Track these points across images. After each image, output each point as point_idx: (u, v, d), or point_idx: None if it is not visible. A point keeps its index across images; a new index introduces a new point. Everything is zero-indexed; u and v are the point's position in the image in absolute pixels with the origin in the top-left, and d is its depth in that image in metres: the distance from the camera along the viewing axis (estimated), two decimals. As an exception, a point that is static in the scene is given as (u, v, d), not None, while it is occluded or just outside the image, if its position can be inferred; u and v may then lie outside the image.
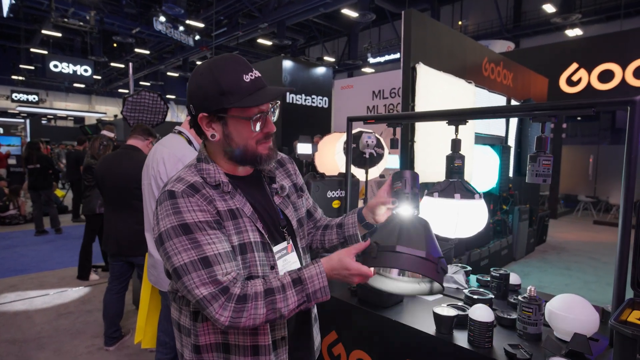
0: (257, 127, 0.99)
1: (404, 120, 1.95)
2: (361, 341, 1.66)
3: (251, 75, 0.98)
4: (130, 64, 5.51)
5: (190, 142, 1.85)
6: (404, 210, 1.06)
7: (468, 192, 1.54)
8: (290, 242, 1.12)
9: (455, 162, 1.58)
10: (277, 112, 1.05)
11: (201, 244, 0.91)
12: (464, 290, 1.60)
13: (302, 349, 1.17)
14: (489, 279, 1.75)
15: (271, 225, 1.08)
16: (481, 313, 1.27)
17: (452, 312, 1.37)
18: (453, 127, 1.62)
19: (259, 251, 1.01)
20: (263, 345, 1.01)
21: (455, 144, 1.59)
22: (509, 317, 1.41)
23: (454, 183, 1.56)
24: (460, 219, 1.52)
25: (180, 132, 1.87)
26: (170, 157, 1.73)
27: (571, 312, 1.26)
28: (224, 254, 0.93)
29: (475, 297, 1.52)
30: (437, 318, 1.37)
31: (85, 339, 3.19)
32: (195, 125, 1.03)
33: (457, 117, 1.59)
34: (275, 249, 1.06)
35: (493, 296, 1.54)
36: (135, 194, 2.69)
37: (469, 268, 1.93)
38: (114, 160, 2.99)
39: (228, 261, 0.93)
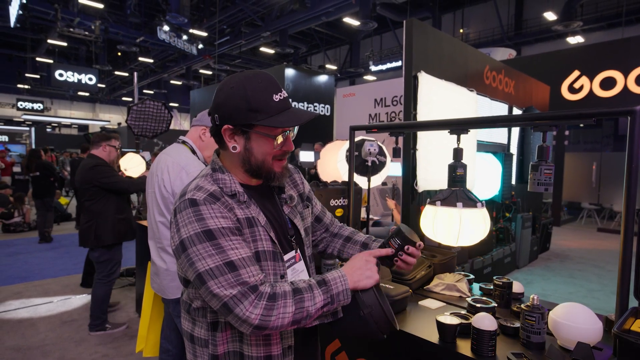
0: (277, 144, 1.04)
1: (406, 130, 1.97)
2: (364, 349, 1.66)
3: (280, 95, 1.01)
4: (135, 73, 5.57)
5: (194, 152, 1.87)
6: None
7: (470, 200, 1.55)
8: (298, 251, 1.15)
9: (457, 171, 1.59)
10: (296, 131, 1.10)
11: (225, 249, 0.92)
12: (467, 299, 1.60)
13: (308, 357, 1.18)
14: (492, 287, 1.76)
15: (281, 235, 1.11)
16: (484, 322, 1.28)
17: (455, 321, 1.37)
18: (454, 137, 1.64)
19: (270, 260, 1.04)
20: (276, 354, 1.03)
21: (457, 152, 1.61)
22: (512, 325, 1.41)
23: (456, 192, 1.57)
24: (463, 228, 1.53)
25: (184, 142, 1.90)
26: (174, 165, 1.75)
27: (574, 321, 1.26)
28: (247, 258, 0.94)
29: (478, 305, 1.52)
30: (440, 326, 1.38)
31: (89, 347, 3.19)
32: (216, 135, 1.06)
33: (459, 127, 1.61)
34: (285, 257, 1.09)
35: (496, 305, 1.54)
36: (82, 194, 3.38)
37: (471, 276, 1.93)
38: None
39: (252, 265, 0.94)
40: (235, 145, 1.03)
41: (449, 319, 1.39)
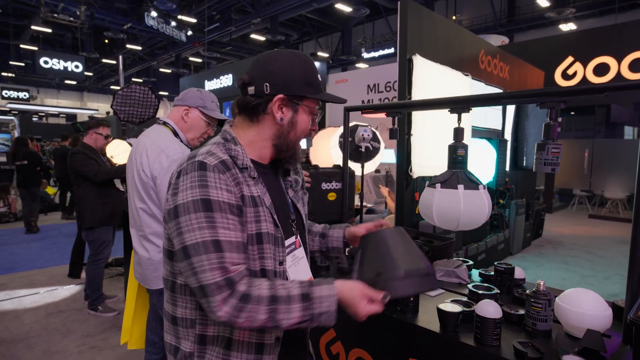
0: (312, 122, 1.07)
1: (403, 109, 1.88)
2: (361, 339, 1.59)
3: (320, 76, 1.05)
4: (120, 57, 5.38)
5: (176, 134, 1.76)
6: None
7: (472, 182, 1.47)
8: (299, 237, 1.10)
9: (458, 152, 1.51)
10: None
11: (217, 225, 0.87)
12: (467, 285, 1.53)
13: (298, 347, 1.11)
14: (492, 273, 1.69)
15: (283, 219, 1.05)
16: (488, 309, 1.21)
17: (457, 309, 1.30)
18: (450, 121, 1.55)
19: (272, 243, 0.98)
20: (269, 343, 0.98)
21: (458, 132, 1.52)
22: (516, 313, 1.35)
23: (457, 173, 1.50)
24: (464, 211, 1.45)
25: (165, 123, 1.78)
26: (153, 148, 1.64)
27: (583, 308, 1.19)
28: (236, 243, 0.89)
29: (480, 292, 1.45)
30: (442, 315, 1.31)
31: (76, 338, 3.10)
32: (253, 107, 1.00)
33: (460, 105, 1.52)
34: (286, 243, 1.03)
35: (499, 291, 1.47)
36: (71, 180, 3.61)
37: (470, 262, 1.86)
38: None
39: (238, 252, 0.89)
40: (282, 117, 1.01)
41: (451, 307, 1.32)
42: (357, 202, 3.75)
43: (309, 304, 0.87)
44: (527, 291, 1.29)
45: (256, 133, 1.03)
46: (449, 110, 1.57)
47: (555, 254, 5.82)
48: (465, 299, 1.45)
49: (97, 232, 3.49)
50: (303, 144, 5.28)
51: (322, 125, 7.48)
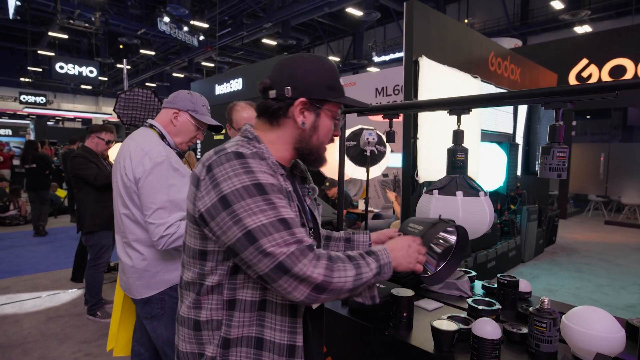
0: (334, 127, 1.05)
1: (400, 111, 1.79)
2: (352, 356, 1.49)
3: (341, 81, 1.05)
4: (125, 60, 5.39)
5: (163, 137, 1.68)
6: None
7: (471, 189, 1.37)
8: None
9: (457, 156, 1.41)
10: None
11: (277, 206, 0.85)
12: (467, 300, 1.43)
13: (317, 353, 1.10)
14: (495, 285, 1.58)
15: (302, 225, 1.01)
16: (486, 328, 1.10)
17: (453, 327, 1.20)
18: (455, 120, 1.45)
19: None
20: (299, 345, 0.95)
21: (457, 135, 1.42)
22: (518, 332, 1.24)
23: (456, 179, 1.40)
24: (463, 220, 1.35)
25: (152, 126, 1.71)
26: (137, 150, 1.57)
27: (592, 328, 1.08)
28: (298, 221, 0.89)
29: (480, 307, 1.34)
30: (436, 333, 1.20)
31: (72, 345, 3.05)
32: (274, 111, 0.99)
33: (459, 106, 1.42)
34: None
35: (500, 307, 1.36)
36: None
37: (473, 273, 1.75)
38: None
39: (302, 229, 0.88)
40: (304, 121, 1.00)
41: (446, 324, 1.21)
42: (362, 207, 3.63)
43: (376, 257, 0.92)
44: (531, 308, 1.18)
45: (276, 136, 1.01)
46: (447, 112, 1.48)
47: (569, 262, 5.62)
48: (464, 314, 1.34)
49: (96, 236, 3.47)
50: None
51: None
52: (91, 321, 3.46)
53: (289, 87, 0.97)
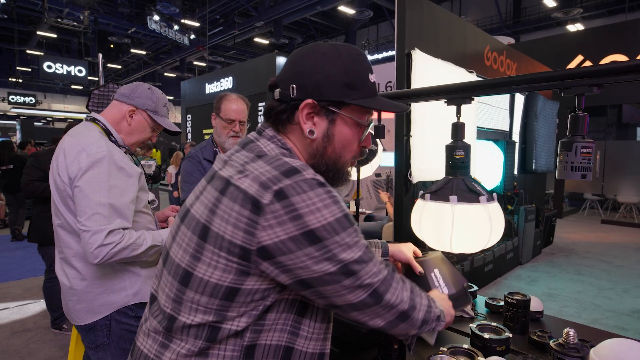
0: (362, 136, 0.84)
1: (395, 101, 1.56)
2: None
3: (374, 77, 0.82)
4: (100, 55, 5.10)
5: (108, 132, 1.42)
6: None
7: (470, 193, 1.14)
8: None
9: (456, 154, 1.19)
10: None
11: (361, 235, 0.76)
12: (470, 325, 1.20)
13: None
14: (501, 303, 1.36)
15: None
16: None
17: (455, 362, 0.98)
18: (453, 120, 1.22)
19: None
20: (327, 352, 0.86)
21: (457, 129, 1.20)
22: (533, 365, 1.02)
23: (454, 181, 1.17)
24: (456, 229, 1.12)
25: (94, 120, 1.45)
26: (72, 146, 1.31)
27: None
28: None
29: (486, 336, 1.12)
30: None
31: (37, 363, 2.80)
32: (279, 113, 0.80)
33: (459, 94, 1.20)
34: None
35: (510, 335, 1.13)
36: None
37: (475, 288, 1.53)
38: None
39: None
40: (313, 129, 0.79)
41: None
42: (353, 208, 3.43)
43: (435, 302, 0.87)
44: (552, 342, 0.96)
45: (291, 147, 0.83)
46: (445, 102, 1.25)
47: (568, 263, 5.45)
48: (466, 345, 1.11)
49: (44, 249, 3.11)
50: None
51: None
52: (58, 334, 3.20)
53: (294, 86, 0.77)
